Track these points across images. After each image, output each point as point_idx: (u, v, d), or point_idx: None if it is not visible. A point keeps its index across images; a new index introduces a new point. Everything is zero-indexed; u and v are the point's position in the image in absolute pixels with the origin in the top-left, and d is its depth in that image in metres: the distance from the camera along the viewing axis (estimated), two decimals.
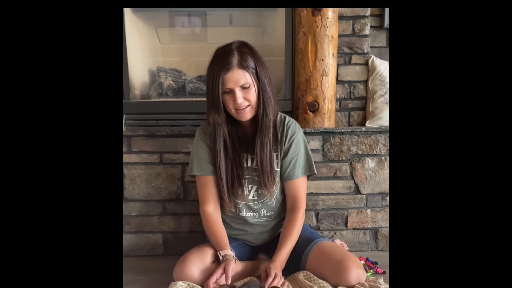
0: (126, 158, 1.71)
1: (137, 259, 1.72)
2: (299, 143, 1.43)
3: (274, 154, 1.43)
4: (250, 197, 1.45)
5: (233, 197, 1.43)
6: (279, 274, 1.26)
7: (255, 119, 1.39)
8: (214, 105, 1.33)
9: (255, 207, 1.46)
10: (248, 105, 1.33)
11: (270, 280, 1.22)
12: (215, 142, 1.39)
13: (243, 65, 1.29)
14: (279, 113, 1.46)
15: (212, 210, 1.44)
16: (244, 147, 1.43)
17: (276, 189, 1.44)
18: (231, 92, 1.30)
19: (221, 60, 1.29)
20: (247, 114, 1.34)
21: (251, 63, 1.30)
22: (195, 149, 1.46)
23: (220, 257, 1.32)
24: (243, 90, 1.31)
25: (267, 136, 1.37)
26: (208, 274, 1.29)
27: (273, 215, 1.48)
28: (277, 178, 1.43)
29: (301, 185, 1.45)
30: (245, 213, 1.46)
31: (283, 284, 1.24)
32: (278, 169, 1.43)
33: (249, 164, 1.43)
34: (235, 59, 1.28)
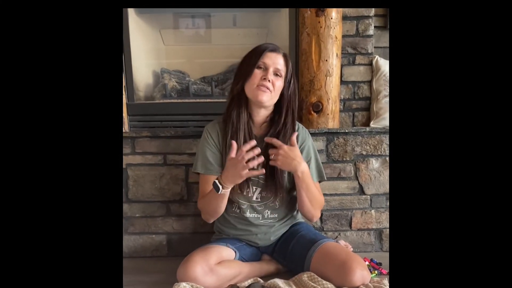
0: (130, 159, 1.71)
1: (141, 260, 1.72)
2: (309, 150, 1.46)
3: None
4: (254, 198, 1.45)
5: (236, 196, 1.43)
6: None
7: (270, 120, 1.42)
8: (245, 74, 1.36)
9: (258, 208, 1.46)
10: (270, 91, 1.35)
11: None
12: (238, 119, 1.40)
13: (286, 57, 1.39)
14: None
15: None
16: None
17: (281, 194, 1.44)
18: (265, 69, 1.35)
19: (269, 44, 1.39)
20: (265, 97, 1.35)
21: (290, 66, 1.40)
22: (201, 147, 1.47)
23: (217, 181, 1.31)
24: (274, 75, 1.36)
25: (288, 143, 1.38)
26: (211, 275, 1.30)
27: (277, 217, 1.48)
28: (283, 184, 1.43)
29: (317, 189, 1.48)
30: (249, 214, 1.46)
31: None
32: (285, 174, 1.43)
33: (256, 166, 1.42)
34: (281, 50, 1.39)
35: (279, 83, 1.36)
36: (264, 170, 1.32)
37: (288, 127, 1.40)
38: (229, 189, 1.33)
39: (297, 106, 1.43)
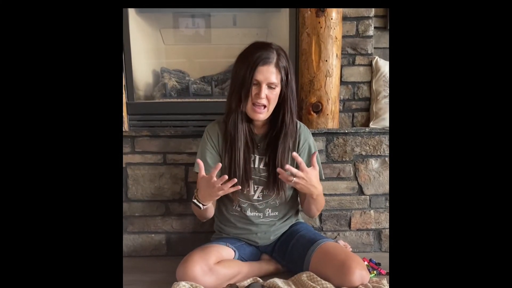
0: (129, 158, 1.71)
1: (140, 260, 1.72)
2: (312, 149, 1.47)
3: None
4: (255, 197, 1.45)
5: (237, 195, 1.43)
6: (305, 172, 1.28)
7: (270, 121, 1.41)
8: (243, 90, 1.33)
9: (259, 207, 1.46)
10: (265, 106, 1.34)
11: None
12: (236, 129, 1.39)
13: (278, 65, 1.33)
14: None
15: None
16: (252, 147, 1.43)
17: (286, 193, 1.45)
18: (258, 85, 1.32)
19: (261, 51, 1.32)
20: (261, 114, 1.36)
21: (285, 67, 1.34)
22: (200, 148, 1.47)
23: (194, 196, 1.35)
24: (268, 88, 1.33)
25: (289, 142, 1.40)
26: (211, 275, 1.31)
27: (277, 215, 1.49)
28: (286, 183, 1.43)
29: None
30: (249, 213, 1.46)
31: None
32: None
33: (256, 165, 1.43)
34: (274, 56, 1.32)
35: (275, 94, 1.34)
36: (240, 187, 1.28)
37: (289, 126, 1.40)
38: (211, 203, 1.36)
39: (296, 104, 1.42)
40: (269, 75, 1.31)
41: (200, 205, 1.34)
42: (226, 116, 1.42)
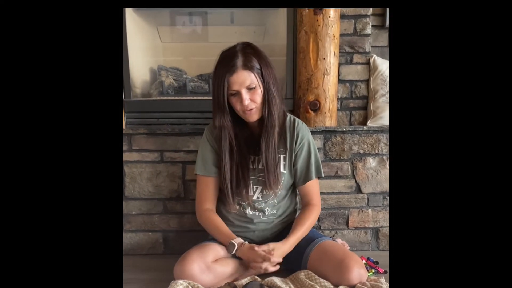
0: (127, 156, 1.71)
1: (137, 258, 1.71)
2: (310, 146, 1.46)
3: (282, 156, 1.44)
4: (255, 197, 1.44)
5: (237, 197, 1.43)
6: (277, 259, 1.30)
7: (262, 120, 1.39)
8: (220, 108, 1.34)
9: (258, 206, 1.45)
10: (255, 107, 1.33)
11: (265, 264, 1.29)
12: (220, 144, 1.39)
13: (247, 66, 1.29)
14: (288, 115, 1.47)
15: (210, 208, 1.46)
16: (251, 148, 1.43)
17: (280, 190, 1.44)
18: (238, 94, 1.31)
19: (226, 62, 1.30)
20: (254, 115, 1.35)
21: (256, 64, 1.31)
22: (201, 149, 1.48)
23: (236, 245, 1.33)
24: (249, 91, 1.31)
25: (272, 136, 1.37)
26: (208, 273, 1.30)
27: (276, 213, 1.48)
28: (282, 180, 1.43)
29: (316, 185, 1.49)
30: (249, 212, 1.46)
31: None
32: (285, 171, 1.44)
33: (255, 166, 1.43)
34: (239, 61, 1.29)
35: (258, 92, 1.32)
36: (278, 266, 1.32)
37: (272, 117, 1.36)
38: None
39: (280, 94, 1.38)
40: (243, 80, 1.29)
41: (233, 249, 1.34)
42: (214, 130, 1.42)
